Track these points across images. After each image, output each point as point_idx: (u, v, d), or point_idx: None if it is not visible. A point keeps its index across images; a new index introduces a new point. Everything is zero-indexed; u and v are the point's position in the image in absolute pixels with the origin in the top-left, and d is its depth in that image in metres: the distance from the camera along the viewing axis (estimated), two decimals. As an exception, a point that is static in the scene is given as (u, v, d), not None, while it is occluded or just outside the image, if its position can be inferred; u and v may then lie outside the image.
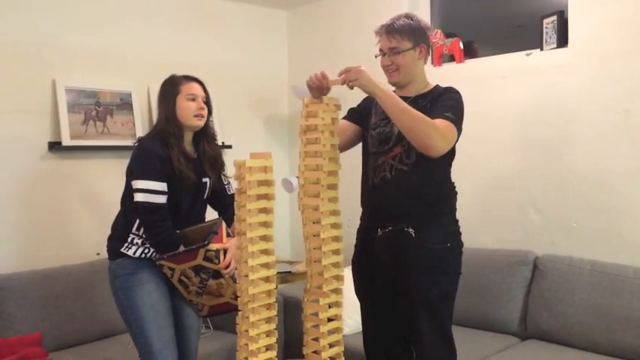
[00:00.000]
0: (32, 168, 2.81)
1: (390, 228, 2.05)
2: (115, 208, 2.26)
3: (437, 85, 2.21)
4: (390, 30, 2.11)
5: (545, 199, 2.88)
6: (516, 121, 2.96)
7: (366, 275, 2.15)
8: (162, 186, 2.11)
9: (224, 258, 2.14)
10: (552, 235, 2.86)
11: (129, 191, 2.16)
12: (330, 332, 1.98)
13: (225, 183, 2.37)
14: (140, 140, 2.25)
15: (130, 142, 3.06)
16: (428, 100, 2.11)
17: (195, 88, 2.23)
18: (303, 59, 3.87)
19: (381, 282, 2.09)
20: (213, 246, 2.14)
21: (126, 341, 2.51)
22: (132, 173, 2.16)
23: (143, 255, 2.17)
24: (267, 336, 1.90)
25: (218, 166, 2.32)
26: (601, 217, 2.70)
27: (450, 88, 2.17)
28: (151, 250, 2.18)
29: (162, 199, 2.12)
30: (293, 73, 3.91)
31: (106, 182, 2.98)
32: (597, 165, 2.70)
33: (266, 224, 1.88)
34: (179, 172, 2.14)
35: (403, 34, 2.10)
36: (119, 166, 3.03)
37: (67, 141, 2.86)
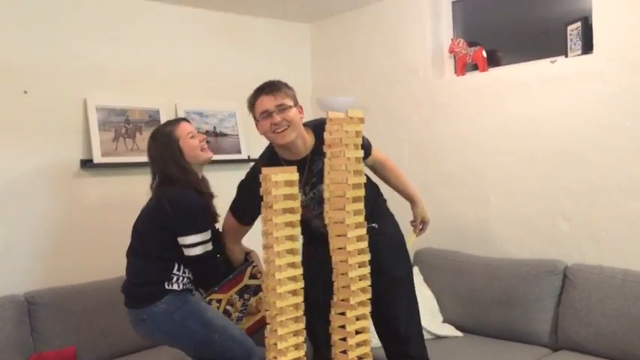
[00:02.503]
0: (66, 185, 2.89)
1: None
2: None
3: (309, 130, 2.24)
4: (271, 89, 2.16)
5: (574, 207, 2.84)
6: (542, 130, 2.93)
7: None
8: (210, 234, 2.18)
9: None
10: (582, 244, 2.82)
11: (163, 242, 2.15)
12: (358, 345, 1.99)
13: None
14: (173, 196, 2.16)
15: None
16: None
17: (187, 126, 2.25)
18: (326, 72, 3.90)
19: None
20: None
21: (156, 355, 2.55)
22: (181, 230, 2.13)
23: (184, 287, 2.21)
24: (295, 349, 1.91)
25: None
26: (631, 225, 2.65)
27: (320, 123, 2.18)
28: (189, 281, 2.22)
29: (211, 245, 2.19)
30: (317, 86, 3.94)
31: (136, 197, 3.03)
32: (627, 172, 2.66)
33: (292, 238, 1.90)
34: (214, 215, 2.23)
35: (283, 91, 2.17)
36: (148, 182, 3.11)
37: (98, 158, 2.93)
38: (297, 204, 1.91)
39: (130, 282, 2.23)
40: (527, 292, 2.76)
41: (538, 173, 2.96)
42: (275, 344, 1.87)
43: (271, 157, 2.24)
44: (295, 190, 1.91)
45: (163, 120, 3.20)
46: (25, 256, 2.74)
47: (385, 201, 2.45)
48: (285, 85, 2.22)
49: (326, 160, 1.97)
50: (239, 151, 3.49)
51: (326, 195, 1.97)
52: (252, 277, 2.31)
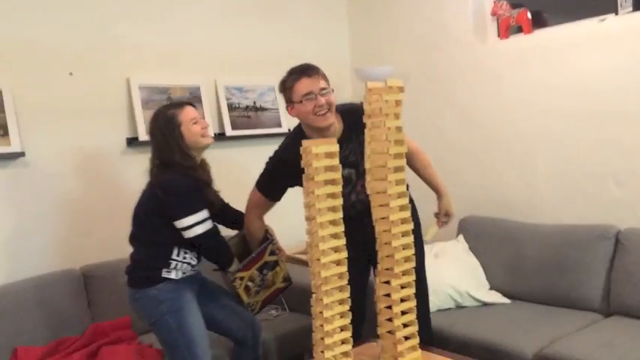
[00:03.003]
0: (113, 163, 2.97)
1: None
2: None
3: (337, 115, 2.23)
4: (312, 72, 2.16)
5: (627, 170, 2.75)
6: (591, 91, 2.83)
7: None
8: (207, 212, 2.17)
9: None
10: (635, 208, 2.73)
11: (159, 228, 2.17)
12: (404, 312, 2.00)
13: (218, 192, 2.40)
14: (162, 182, 2.17)
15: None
16: (362, 132, 2.07)
17: (192, 111, 2.23)
18: (364, 42, 3.85)
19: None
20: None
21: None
22: (176, 214, 2.13)
23: (183, 276, 2.22)
24: (341, 317, 1.94)
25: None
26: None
27: (353, 107, 2.26)
28: (190, 268, 2.24)
29: (212, 222, 2.19)
30: (355, 57, 3.90)
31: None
32: (682, 132, 2.55)
33: (334, 209, 1.91)
34: (210, 203, 2.20)
35: (322, 75, 2.18)
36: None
37: (143, 136, 3.00)
38: (338, 175, 1.91)
39: (131, 266, 2.26)
40: (578, 258, 2.70)
41: (588, 135, 2.87)
42: (321, 312, 1.90)
43: (300, 138, 2.22)
44: (336, 161, 1.91)
45: (204, 96, 3.24)
46: (79, 232, 2.85)
47: (407, 186, 2.40)
48: (319, 69, 2.22)
49: (366, 131, 1.96)
50: (279, 125, 3.50)
51: (367, 165, 1.96)
52: (272, 253, 2.39)
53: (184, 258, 2.22)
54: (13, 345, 2.40)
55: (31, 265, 2.66)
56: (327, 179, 1.89)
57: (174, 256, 2.19)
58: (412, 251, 2.00)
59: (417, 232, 2.39)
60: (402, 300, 2.00)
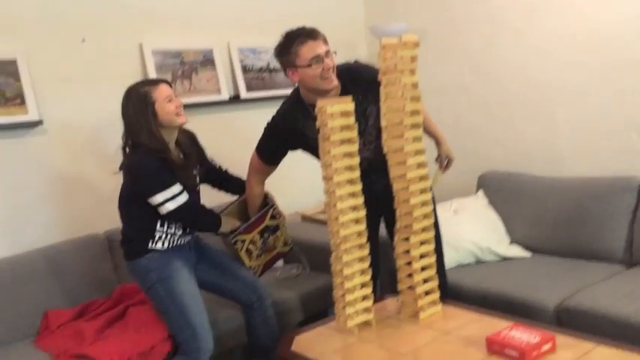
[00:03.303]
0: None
1: None
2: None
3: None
4: (316, 35, 2.11)
5: (650, 120, 2.68)
6: (613, 41, 2.74)
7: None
8: (178, 186, 2.16)
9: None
10: (658, 158, 2.68)
11: (139, 205, 2.19)
12: (423, 268, 2.01)
13: (213, 163, 2.48)
14: (129, 164, 2.19)
15: (215, 97, 3.20)
16: (360, 91, 2.10)
17: (166, 89, 2.19)
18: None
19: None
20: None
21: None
22: (146, 194, 2.15)
23: (171, 245, 2.24)
24: (361, 274, 1.96)
25: (200, 154, 2.40)
26: None
27: (349, 66, 2.24)
28: (177, 238, 2.26)
29: (186, 196, 2.18)
30: (370, 14, 3.81)
31: (199, 137, 3.13)
32: None
33: (351, 168, 1.91)
34: (183, 182, 2.19)
35: (323, 38, 2.13)
36: (207, 122, 3.17)
37: (158, 101, 3.00)
38: (354, 134, 1.90)
39: (122, 239, 2.32)
40: (600, 210, 2.67)
41: (610, 86, 2.80)
42: (341, 270, 1.93)
43: (297, 102, 2.22)
44: (351, 120, 1.90)
45: (218, 59, 3.22)
46: (101, 196, 2.88)
47: None
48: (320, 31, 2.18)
49: (382, 88, 1.93)
50: (293, 85, 3.47)
51: (383, 123, 1.95)
52: (272, 217, 2.46)
53: (169, 229, 2.24)
54: (43, 309, 2.48)
55: (52, 232, 2.72)
56: (343, 138, 1.89)
57: (158, 228, 2.22)
58: (431, 207, 2.00)
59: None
60: (422, 256, 2.01)
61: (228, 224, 2.35)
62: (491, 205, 3.03)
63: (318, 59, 2.07)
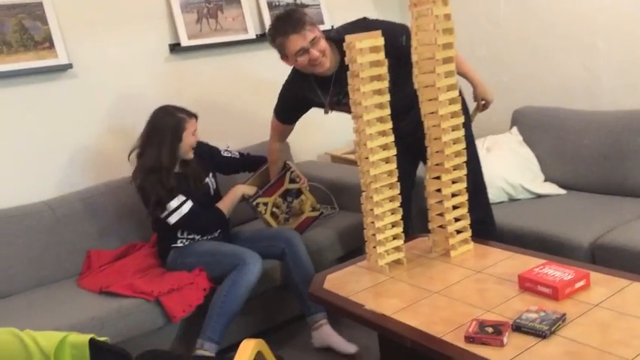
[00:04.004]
0: (159, 71, 2.97)
1: None
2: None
3: (332, 45, 2.18)
4: (299, 27, 2.10)
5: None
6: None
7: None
8: (178, 199, 2.34)
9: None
10: None
11: (156, 221, 2.43)
12: (455, 207, 1.99)
13: (227, 155, 2.64)
14: (137, 187, 2.36)
15: (242, 36, 3.14)
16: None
17: (195, 123, 2.41)
18: None
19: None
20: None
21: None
22: (152, 213, 2.37)
23: (188, 242, 2.45)
24: (391, 214, 1.95)
25: (211, 156, 2.59)
26: None
27: (345, 28, 2.17)
28: (198, 239, 2.47)
29: (187, 206, 2.35)
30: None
31: (225, 77, 3.10)
32: None
33: (381, 105, 1.87)
34: (189, 192, 2.38)
35: (308, 25, 2.11)
36: (233, 61, 3.13)
37: (185, 41, 2.96)
38: (384, 70, 1.85)
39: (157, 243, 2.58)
40: (639, 145, 2.58)
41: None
42: (372, 210, 1.92)
43: (298, 72, 2.27)
44: (381, 55, 1.84)
45: (243, -5, 3.14)
46: (134, 140, 2.90)
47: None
48: (304, 14, 2.16)
49: (412, 21, 1.86)
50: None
51: (414, 58, 1.89)
52: (292, 181, 2.58)
53: (188, 235, 2.45)
54: (84, 250, 2.56)
55: (87, 175, 2.78)
56: (373, 75, 1.84)
57: (179, 235, 2.45)
58: (463, 145, 1.96)
59: (467, 124, 2.35)
60: (454, 195, 1.99)
61: (247, 190, 2.53)
62: (526, 142, 2.96)
63: (303, 52, 2.12)
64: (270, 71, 3.24)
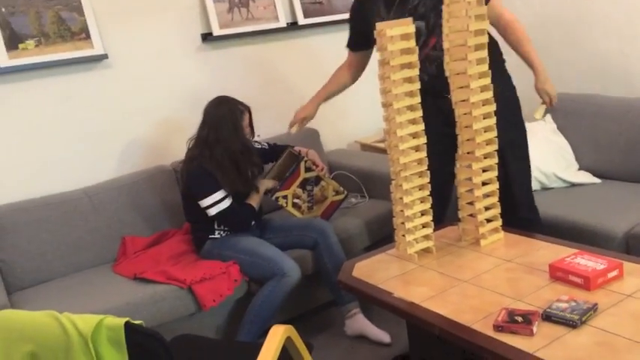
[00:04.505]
0: (191, 60, 3.01)
1: None
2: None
3: None
4: None
5: None
6: None
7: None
8: (222, 193, 2.37)
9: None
10: None
11: (192, 208, 2.45)
12: (486, 196, 1.98)
13: (257, 146, 2.62)
14: (183, 171, 2.44)
15: (273, 25, 3.15)
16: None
17: (249, 118, 2.49)
18: None
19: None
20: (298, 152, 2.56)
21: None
22: (196, 197, 2.39)
23: (225, 234, 2.49)
24: (421, 202, 1.95)
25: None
26: None
27: None
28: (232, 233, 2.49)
29: (227, 203, 2.38)
30: None
31: (256, 66, 3.12)
32: None
33: (412, 94, 1.86)
34: (234, 188, 2.41)
35: None
36: (265, 50, 3.14)
37: (217, 31, 2.99)
38: (415, 58, 1.84)
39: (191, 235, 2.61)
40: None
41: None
42: (401, 198, 1.92)
43: None
44: (412, 43, 1.83)
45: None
46: (167, 128, 2.96)
47: (504, 61, 2.28)
48: None
49: (444, 7, 1.84)
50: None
51: (445, 45, 1.87)
52: (308, 170, 2.56)
53: (225, 228, 2.48)
54: (119, 237, 2.63)
55: (122, 164, 2.84)
56: (404, 63, 1.83)
57: (216, 227, 2.47)
58: (494, 133, 1.94)
59: (515, 110, 2.30)
60: (484, 183, 1.97)
61: (269, 184, 2.54)
62: (560, 130, 2.90)
63: None
64: (301, 59, 3.25)
